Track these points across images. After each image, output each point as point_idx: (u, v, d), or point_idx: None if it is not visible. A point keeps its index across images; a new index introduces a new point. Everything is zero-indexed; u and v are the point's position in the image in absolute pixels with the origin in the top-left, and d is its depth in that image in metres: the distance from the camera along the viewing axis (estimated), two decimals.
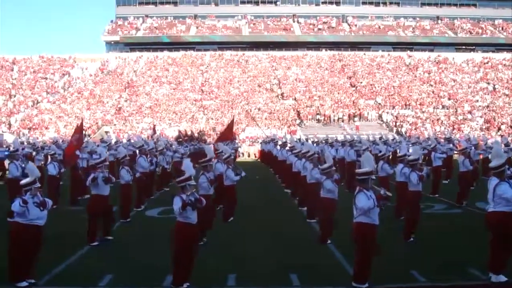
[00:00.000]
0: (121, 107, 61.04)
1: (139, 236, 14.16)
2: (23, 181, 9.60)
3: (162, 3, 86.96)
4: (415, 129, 53.61)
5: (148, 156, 19.94)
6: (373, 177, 9.68)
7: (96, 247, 12.64)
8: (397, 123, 55.97)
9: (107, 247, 12.77)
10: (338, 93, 63.78)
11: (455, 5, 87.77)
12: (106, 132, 52.17)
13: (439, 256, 11.44)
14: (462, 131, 50.90)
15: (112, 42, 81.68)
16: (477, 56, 76.74)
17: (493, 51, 78.74)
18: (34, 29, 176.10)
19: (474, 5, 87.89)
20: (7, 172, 21.99)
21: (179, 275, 9.32)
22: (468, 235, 13.41)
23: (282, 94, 64.57)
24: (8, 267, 9.43)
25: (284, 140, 30.65)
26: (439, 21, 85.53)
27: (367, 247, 9.23)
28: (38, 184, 9.56)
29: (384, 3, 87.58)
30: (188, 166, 9.95)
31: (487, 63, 73.98)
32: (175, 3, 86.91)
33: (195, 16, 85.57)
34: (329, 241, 12.79)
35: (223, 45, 79.74)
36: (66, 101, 62.41)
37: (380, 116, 59.00)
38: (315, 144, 27.14)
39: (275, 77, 69.90)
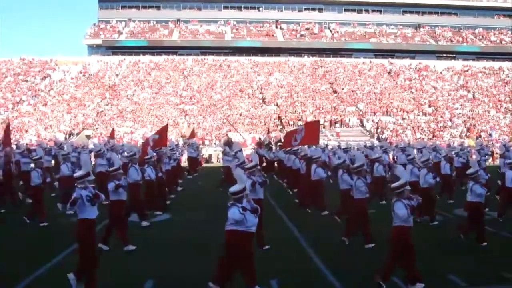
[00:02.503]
0: (103, 111, 60.67)
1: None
2: (232, 189, 9.21)
3: (145, 7, 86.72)
4: (396, 135, 53.92)
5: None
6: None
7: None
8: (378, 130, 56.26)
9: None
10: (320, 99, 63.97)
11: (436, 13, 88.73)
12: (87, 136, 51.81)
13: (419, 263, 11.48)
14: (442, 138, 51.27)
15: (94, 46, 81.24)
16: (458, 64, 77.58)
17: (473, 59, 79.60)
18: (15, 31, 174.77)
19: (455, 14, 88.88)
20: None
21: None
22: (447, 243, 13.47)
23: (264, 99, 64.61)
24: (217, 273, 9.23)
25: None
26: (421, 29, 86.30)
27: None
28: (246, 191, 9.29)
29: (367, 11, 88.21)
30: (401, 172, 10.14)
31: (467, 71, 74.76)
32: (158, 8, 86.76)
33: (178, 21, 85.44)
34: (485, 243, 12.79)
35: (205, 50, 79.68)
36: (47, 104, 61.94)
37: (361, 123, 59.29)
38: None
39: (257, 82, 70.00)
